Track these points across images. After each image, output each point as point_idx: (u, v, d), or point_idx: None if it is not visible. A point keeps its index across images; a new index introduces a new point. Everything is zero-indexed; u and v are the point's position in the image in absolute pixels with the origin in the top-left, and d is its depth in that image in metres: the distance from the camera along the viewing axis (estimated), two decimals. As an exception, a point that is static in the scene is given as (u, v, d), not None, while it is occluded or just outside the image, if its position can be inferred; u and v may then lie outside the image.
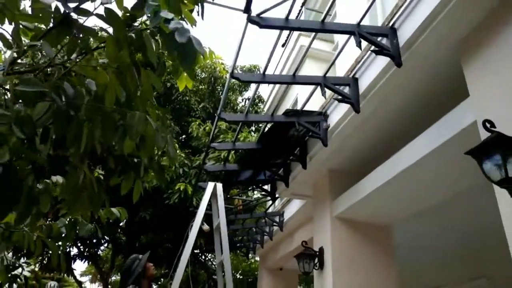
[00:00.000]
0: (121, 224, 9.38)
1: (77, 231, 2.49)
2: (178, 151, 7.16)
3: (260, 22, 2.65)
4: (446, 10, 2.55)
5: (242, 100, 10.03)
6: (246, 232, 8.23)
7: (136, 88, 1.22)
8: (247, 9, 2.59)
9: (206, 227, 3.68)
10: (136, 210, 8.22)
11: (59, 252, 2.54)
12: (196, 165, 6.65)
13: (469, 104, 2.62)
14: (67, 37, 1.36)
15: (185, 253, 3.37)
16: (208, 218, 4.04)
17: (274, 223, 7.19)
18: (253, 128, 9.65)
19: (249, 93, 10.27)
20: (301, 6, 10.17)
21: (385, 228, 4.60)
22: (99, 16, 1.24)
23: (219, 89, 9.37)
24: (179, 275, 3.22)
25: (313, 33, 3.61)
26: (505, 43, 2.38)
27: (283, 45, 9.38)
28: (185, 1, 1.66)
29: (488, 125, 2.10)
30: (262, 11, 2.67)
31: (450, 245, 5.54)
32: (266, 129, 4.47)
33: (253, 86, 10.54)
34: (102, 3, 1.14)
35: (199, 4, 1.82)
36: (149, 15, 1.08)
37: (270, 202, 7.76)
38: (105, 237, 9.77)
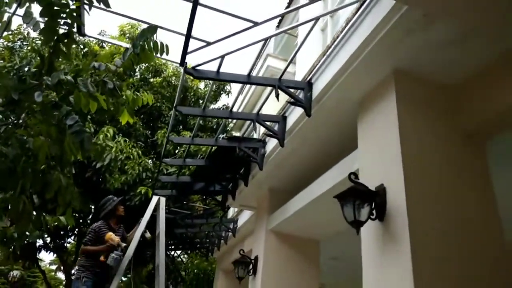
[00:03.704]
0: (88, 219, 9.82)
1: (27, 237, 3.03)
2: (142, 157, 7.68)
3: (194, 73, 3.23)
4: (343, 77, 3.16)
5: (213, 109, 10.60)
6: (205, 234, 8.81)
7: (60, 151, 1.78)
8: (182, 62, 3.16)
9: (148, 235, 4.23)
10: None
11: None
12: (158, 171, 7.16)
13: (356, 154, 3.27)
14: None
15: (127, 257, 3.92)
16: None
17: (229, 229, 7.78)
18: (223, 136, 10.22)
19: (219, 103, 10.89)
20: (277, 26, 10.80)
21: (312, 242, 5.24)
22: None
23: (189, 97, 9.91)
24: (119, 276, 3.78)
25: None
26: (386, 110, 3.01)
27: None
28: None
29: (352, 177, 2.72)
30: (196, 65, 3.25)
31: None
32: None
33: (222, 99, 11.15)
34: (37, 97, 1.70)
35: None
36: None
37: (229, 207, 8.36)
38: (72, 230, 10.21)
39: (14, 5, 2.44)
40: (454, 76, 2.90)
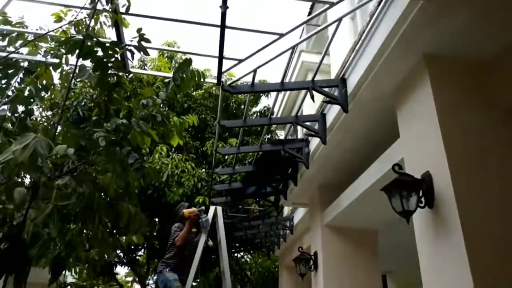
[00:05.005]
0: (154, 233, 10.49)
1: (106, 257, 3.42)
2: (196, 168, 8.09)
3: (231, 90, 3.43)
4: (376, 69, 3.19)
5: (254, 113, 10.86)
6: (264, 234, 9.06)
7: (125, 185, 2.06)
8: (219, 82, 3.38)
9: (210, 243, 4.53)
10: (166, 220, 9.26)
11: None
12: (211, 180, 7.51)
13: (399, 144, 3.28)
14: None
15: (194, 265, 4.23)
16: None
17: (286, 227, 7.96)
18: (268, 137, 10.40)
19: (260, 105, 11.11)
20: (306, 22, 10.78)
21: (369, 232, 5.26)
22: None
23: (231, 105, 10.23)
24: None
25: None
26: (423, 96, 3.00)
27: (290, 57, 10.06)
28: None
29: (396, 168, 2.77)
30: (232, 82, 3.45)
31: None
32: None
33: (263, 104, 11.36)
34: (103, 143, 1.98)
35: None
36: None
37: (283, 207, 8.54)
38: (142, 244, 10.95)
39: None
40: (487, 52, 2.83)
